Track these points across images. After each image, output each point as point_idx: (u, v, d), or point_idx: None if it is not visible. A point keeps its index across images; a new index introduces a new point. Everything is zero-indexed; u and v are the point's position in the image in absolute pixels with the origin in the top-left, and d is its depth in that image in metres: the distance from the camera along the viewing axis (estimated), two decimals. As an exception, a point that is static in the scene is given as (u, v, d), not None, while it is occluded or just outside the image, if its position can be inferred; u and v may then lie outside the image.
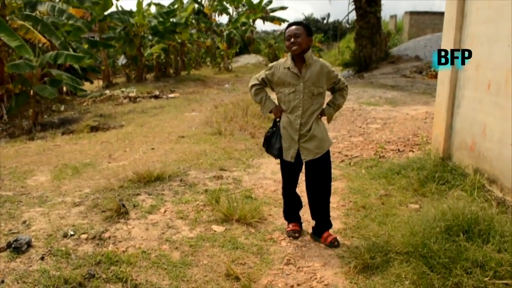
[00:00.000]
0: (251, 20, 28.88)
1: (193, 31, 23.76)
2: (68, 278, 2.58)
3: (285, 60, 3.14)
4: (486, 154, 3.98)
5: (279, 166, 3.44)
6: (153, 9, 20.36)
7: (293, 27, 3.04)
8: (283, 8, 30.64)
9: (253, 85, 3.29)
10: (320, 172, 3.21)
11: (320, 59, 3.18)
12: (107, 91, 14.38)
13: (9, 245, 2.94)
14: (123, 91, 14.05)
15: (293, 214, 3.50)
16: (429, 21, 22.44)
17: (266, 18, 29.15)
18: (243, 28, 27.79)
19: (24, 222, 3.49)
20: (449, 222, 2.81)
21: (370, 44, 16.40)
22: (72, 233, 3.26)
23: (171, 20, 17.76)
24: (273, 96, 3.31)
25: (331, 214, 3.41)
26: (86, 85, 16.25)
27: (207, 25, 26.47)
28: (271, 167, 5.23)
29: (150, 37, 18.30)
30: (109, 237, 3.26)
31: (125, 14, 16.31)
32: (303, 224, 3.57)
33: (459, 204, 2.99)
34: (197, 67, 24.34)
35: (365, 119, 7.82)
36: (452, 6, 4.61)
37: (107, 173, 5.05)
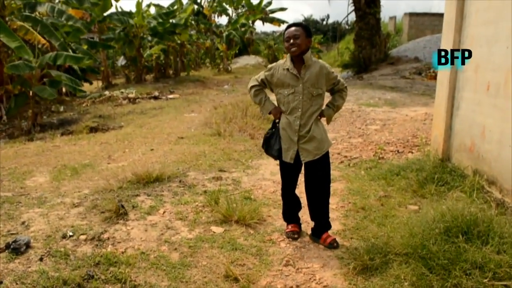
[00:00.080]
0: (250, 21, 28.93)
1: (193, 32, 23.76)
2: (67, 279, 2.58)
3: (285, 61, 3.14)
4: (486, 155, 3.99)
5: (278, 167, 3.44)
6: (152, 10, 20.41)
7: (292, 28, 3.04)
8: (282, 9, 30.73)
9: (252, 86, 3.29)
10: (319, 173, 3.21)
11: (320, 60, 3.18)
12: (107, 92, 14.38)
13: (8, 246, 2.94)
14: (122, 92, 14.04)
15: (292, 215, 3.50)
16: (428, 22, 22.47)
17: (266, 19, 29.19)
18: (243, 29, 27.83)
19: (23, 223, 3.49)
20: (448, 224, 2.81)
21: (369, 45, 16.42)
22: (71, 234, 3.26)
23: (170, 21, 17.78)
24: (273, 97, 3.31)
25: (330, 215, 3.41)
26: (86, 86, 16.27)
27: (207, 26, 26.47)
28: (270, 168, 5.23)
29: (149, 38, 18.29)
30: (108, 238, 3.25)
31: (124, 15, 16.32)
32: (302, 225, 3.57)
33: (458, 206, 2.99)
34: (197, 68, 24.35)
35: (364, 120, 7.82)
36: (451, 7, 4.61)
37: (106, 174, 5.05)
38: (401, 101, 9.63)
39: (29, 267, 2.75)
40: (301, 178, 3.39)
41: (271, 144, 3.26)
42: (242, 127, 7.45)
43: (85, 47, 14.30)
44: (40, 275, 2.63)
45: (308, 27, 3.11)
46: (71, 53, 11.62)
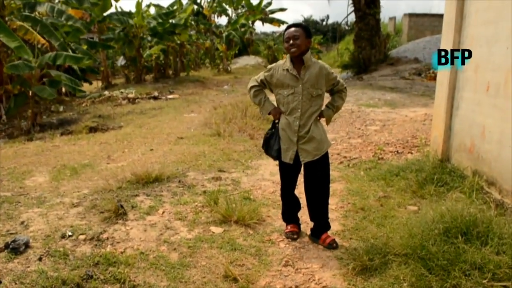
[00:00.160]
0: (250, 22, 28.95)
1: (192, 32, 23.75)
2: (66, 279, 2.57)
3: (284, 62, 3.14)
4: (485, 156, 3.98)
5: (277, 167, 3.44)
6: (152, 10, 20.42)
7: (292, 29, 3.04)
8: (282, 9, 30.80)
9: (252, 87, 3.29)
10: (318, 174, 3.21)
11: (319, 61, 3.18)
12: (106, 92, 14.38)
13: (7, 245, 2.94)
14: (122, 92, 14.05)
15: (292, 215, 3.50)
16: (428, 23, 22.46)
17: (265, 19, 29.21)
18: (242, 29, 27.84)
19: (22, 222, 3.48)
20: (448, 224, 2.81)
21: (369, 46, 16.42)
22: (70, 234, 3.26)
23: (170, 21, 17.78)
24: (272, 97, 3.31)
25: (330, 215, 3.41)
26: (85, 86, 16.27)
27: (206, 27, 26.48)
28: (269, 168, 5.22)
29: (149, 38, 18.29)
30: (107, 238, 3.25)
31: (124, 15, 16.32)
32: (301, 226, 3.56)
33: (458, 206, 2.99)
34: (196, 68, 24.36)
35: (364, 121, 7.82)
36: (451, 7, 4.61)
37: (106, 174, 5.04)
38: (400, 102, 9.63)
39: (28, 267, 2.75)
40: (301, 179, 3.38)
41: (270, 145, 3.26)
42: (241, 127, 7.45)
43: (84, 47, 14.30)
44: (39, 275, 2.62)
45: (308, 28, 3.11)
46: (70, 53, 11.62)
